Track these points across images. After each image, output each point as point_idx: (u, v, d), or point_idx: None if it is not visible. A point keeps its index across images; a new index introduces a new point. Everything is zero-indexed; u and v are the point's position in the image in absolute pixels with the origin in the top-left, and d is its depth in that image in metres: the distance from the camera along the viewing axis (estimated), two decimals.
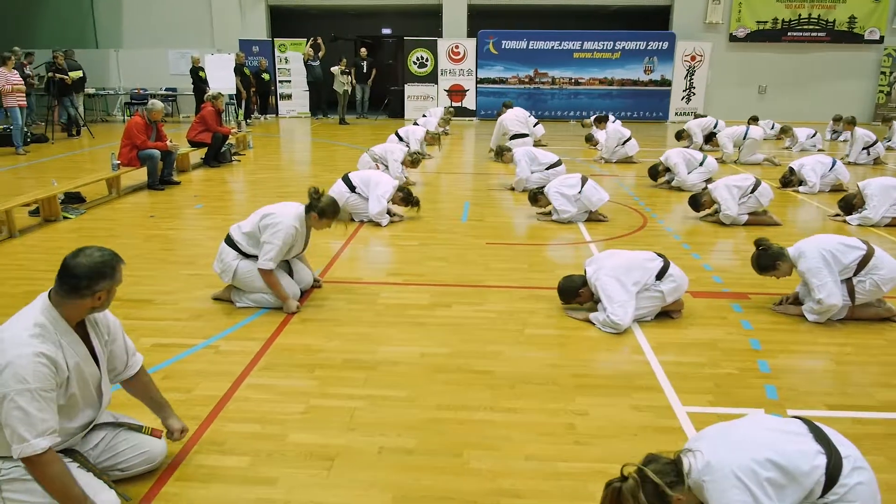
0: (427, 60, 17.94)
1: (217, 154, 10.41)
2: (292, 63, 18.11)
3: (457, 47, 17.84)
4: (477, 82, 18.04)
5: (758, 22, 17.65)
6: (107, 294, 2.38)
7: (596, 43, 17.68)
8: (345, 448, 2.98)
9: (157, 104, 8.68)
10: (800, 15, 17.50)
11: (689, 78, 17.70)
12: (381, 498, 2.66)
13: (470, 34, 18.01)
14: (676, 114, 17.94)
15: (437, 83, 18.00)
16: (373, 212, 6.78)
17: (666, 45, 17.46)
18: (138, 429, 2.75)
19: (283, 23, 19.38)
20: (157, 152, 8.49)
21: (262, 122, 17.15)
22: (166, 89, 17.64)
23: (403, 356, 3.90)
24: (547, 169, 8.54)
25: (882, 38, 17.50)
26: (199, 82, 15.17)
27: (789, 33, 17.61)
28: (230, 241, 4.57)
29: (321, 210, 4.51)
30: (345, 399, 3.40)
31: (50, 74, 13.24)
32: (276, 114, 18.33)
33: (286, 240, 4.40)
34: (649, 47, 17.53)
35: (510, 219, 7.42)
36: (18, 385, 2.15)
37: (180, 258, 5.77)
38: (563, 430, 3.16)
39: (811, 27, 17.55)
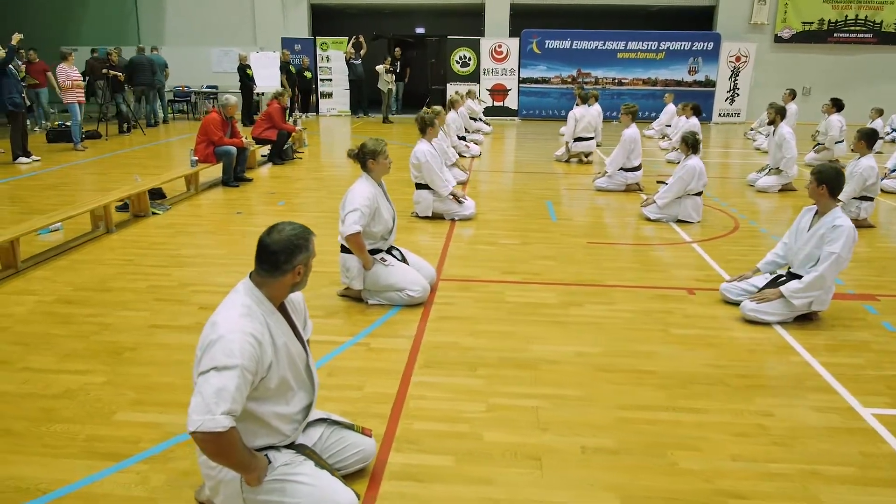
0: (469, 60, 17.89)
1: (281, 151, 10.40)
2: (333, 61, 18.09)
3: (500, 47, 17.78)
4: (519, 82, 17.97)
5: (803, 23, 17.49)
6: (304, 268, 2.34)
7: (640, 43, 17.56)
8: (546, 448, 2.94)
9: (231, 99, 8.67)
10: (846, 16, 17.31)
11: (733, 79, 17.56)
12: (606, 498, 2.61)
13: (512, 34, 17.94)
14: (720, 115, 17.81)
15: (479, 82, 17.94)
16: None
17: (711, 45, 17.32)
18: (350, 427, 2.72)
19: (324, 21, 19.39)
20: (233, 149, 8.48)
21: (303, 120, 17.13)
22: (208, 87, 17.67)
23: (559, 355, 3.85)
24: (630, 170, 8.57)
25: None
26: (247, 80, 15.19)
27: (835, 34, 17.43)
28: (345, 249, 4.56)
29: (368, 153, 4.49)
30: (522, 398, 3.36)
31: (104, 71, 13.26)
32: (317, 112, 18.32)
33: (364, 201, 4.35)
34: (694, 48, 17.41)
35: (599, 219, 7.36)
36: (226, 359, 2.10)
37: None
38: (755, 431, 3.10)
39: (858, 28, 17.36)
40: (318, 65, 18.07)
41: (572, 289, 4.97)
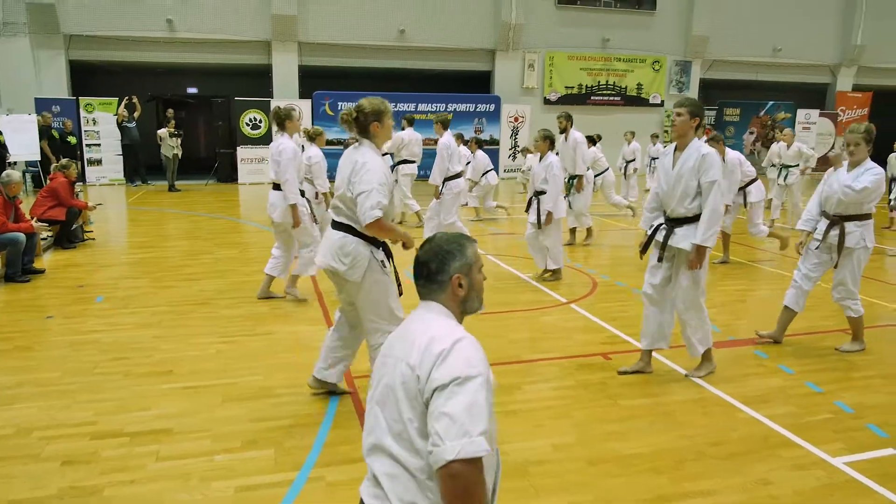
0: (260, 122, 17.05)
1: (69, 233, 8.74)
2: (101, 124, 16.04)
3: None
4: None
5: (566, 87, 19.69)
6: (466, 279, 2.01)
7: (430, 105, 18.28)
8: None
9: (14, 175, 7.07)
10: (599, 82, 19.89)
11: (514, 137, 19.04)
12: None
13: (303, 95, 17.55)
14: (505, 171, 19.10)
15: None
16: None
17: (493, 107, 18.65)
18: None
19: (87, 80, 17.19)
20: (21, 236, 6.86)
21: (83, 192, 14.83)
22: None
23: (540, 453, 3.53)
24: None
25: (662, 102, 20.55)
26: None
27: (592, 97, 19.88)
28: (340, 226, 3.73)
29: (372, 114, 3.68)
30: None
31: None
32: (84, 181, 15.97)
33: (380, 177, 3.59)
34: (478, 109, 18.58)
35: None
36: (467, 368, 1.76)
37: (149, 368, 4.65)
38: None
39: (608, 92, 20.02)
40: (83, 128, 15.87)
41: (500, 369, 4.68)
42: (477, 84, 19.89)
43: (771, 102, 21.21)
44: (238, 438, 3.65)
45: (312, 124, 17.40)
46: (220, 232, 10.32)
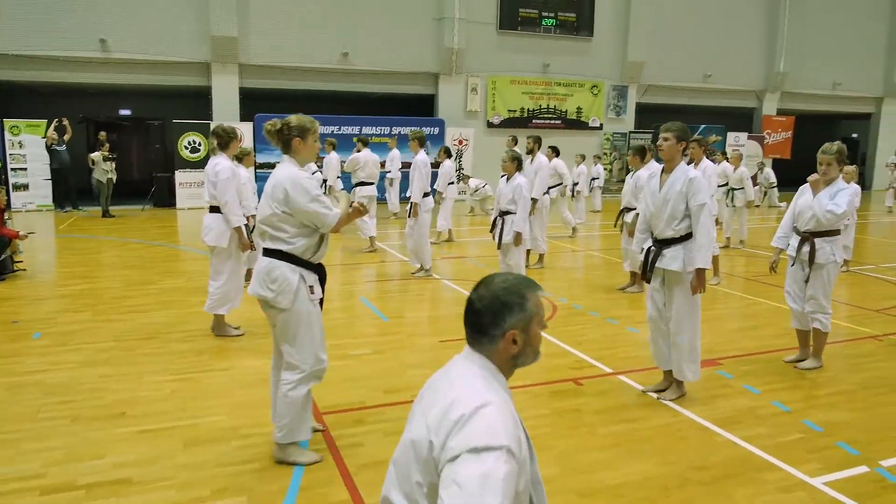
0: (200, 145, 16.54)
1: None
2: (28, 147, 15.23)
3: None
4: (256, 167, 17.11)
5: (509, 110, 19.96)
6: (523, 335, 1.84)
7: (374, 128, 18.17)
8: None
9: None
10: (540, 105, 20.25)
11: (458, 160, 19.11)
12: None
13: (245, 118, 17.13)
14: (459, 193, 19.13)
15: None
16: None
17: (437, 130, 18.69)
18: None
19: (11, 101, 16.32)
20: None
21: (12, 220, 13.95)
22: None
23: None
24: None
25: (601, 125, 21.09)
26: None
27: (534, 120, 20.21)
28: (271, 252, 3.52)
29: (295, 129, 3.53)
30: None
31: None
32: (9, 207, 15.06)
33: (315, 184, 3.50)
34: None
35: (427, 311, 7.10)
36: (487, 438, 1.59)
37: (100, 411, 4.33)
38: None
39: (550, 115, 20.41)
40: (8, 152, 15.03)
41: None
42: (421, 107, 19.94)
43: (703, 126, 22.07)
44: (206, 486, 3.41)
45: (254, 147, 17.03)
46: (161, 260, 9.88)
